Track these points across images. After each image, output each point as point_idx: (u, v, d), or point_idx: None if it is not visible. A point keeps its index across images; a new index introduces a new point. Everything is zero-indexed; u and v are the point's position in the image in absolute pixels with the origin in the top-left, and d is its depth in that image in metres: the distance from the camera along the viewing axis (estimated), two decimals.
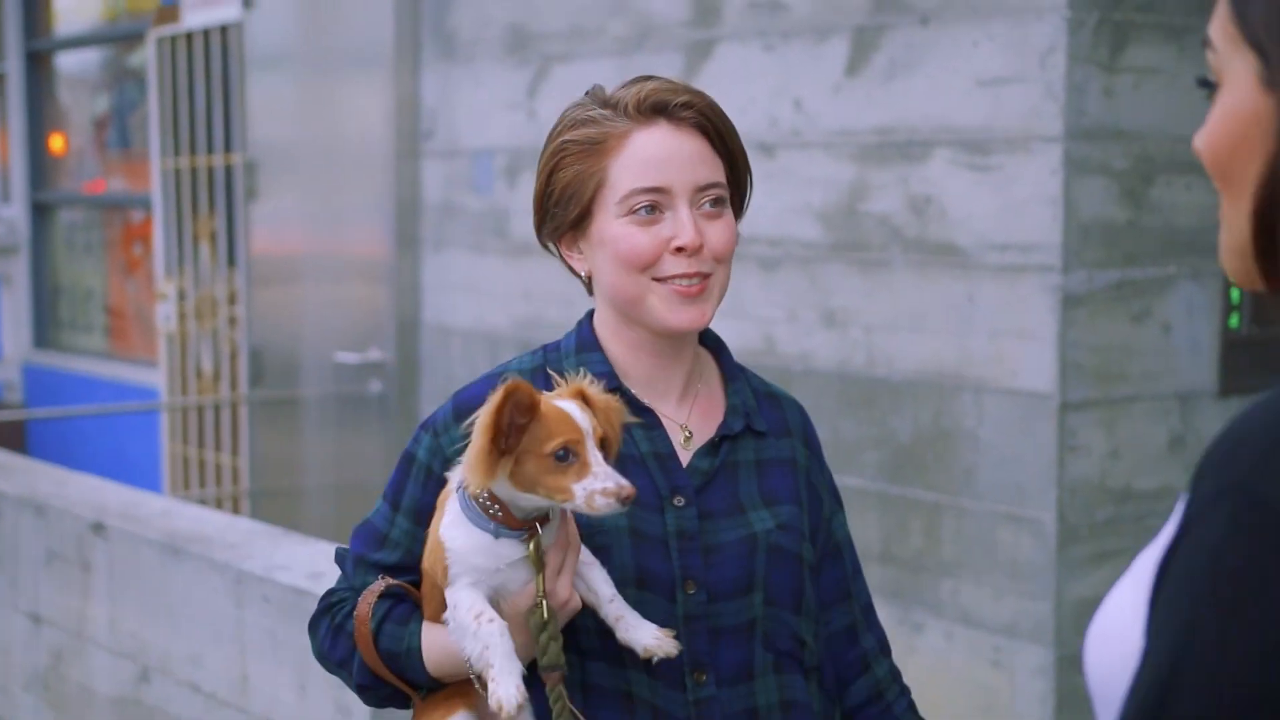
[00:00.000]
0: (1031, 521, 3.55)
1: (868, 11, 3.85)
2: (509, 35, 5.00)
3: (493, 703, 1.63)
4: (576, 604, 1.71)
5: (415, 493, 1.84)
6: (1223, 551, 0.96)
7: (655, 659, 1.71)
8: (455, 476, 1.72)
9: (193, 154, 6.71)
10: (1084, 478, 3.54)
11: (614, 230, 1.80)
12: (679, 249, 1.78)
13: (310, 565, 3.57)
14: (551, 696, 1.66)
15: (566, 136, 1.83)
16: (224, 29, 6.40)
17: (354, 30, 5.65)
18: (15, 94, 8.72)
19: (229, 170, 6.47)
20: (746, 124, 3.06)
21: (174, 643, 3.86)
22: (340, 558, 1.92)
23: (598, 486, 1.60)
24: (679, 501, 1.81)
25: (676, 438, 1.86)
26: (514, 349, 4.65)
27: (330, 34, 5.81)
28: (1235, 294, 3.78)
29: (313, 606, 1.94)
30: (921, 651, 3.77)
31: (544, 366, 1.86)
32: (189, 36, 6.64)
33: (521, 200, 4.98)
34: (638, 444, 1.82)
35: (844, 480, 3.70)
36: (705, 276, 1.80)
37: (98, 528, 4.12)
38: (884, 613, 2.54)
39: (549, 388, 1.73)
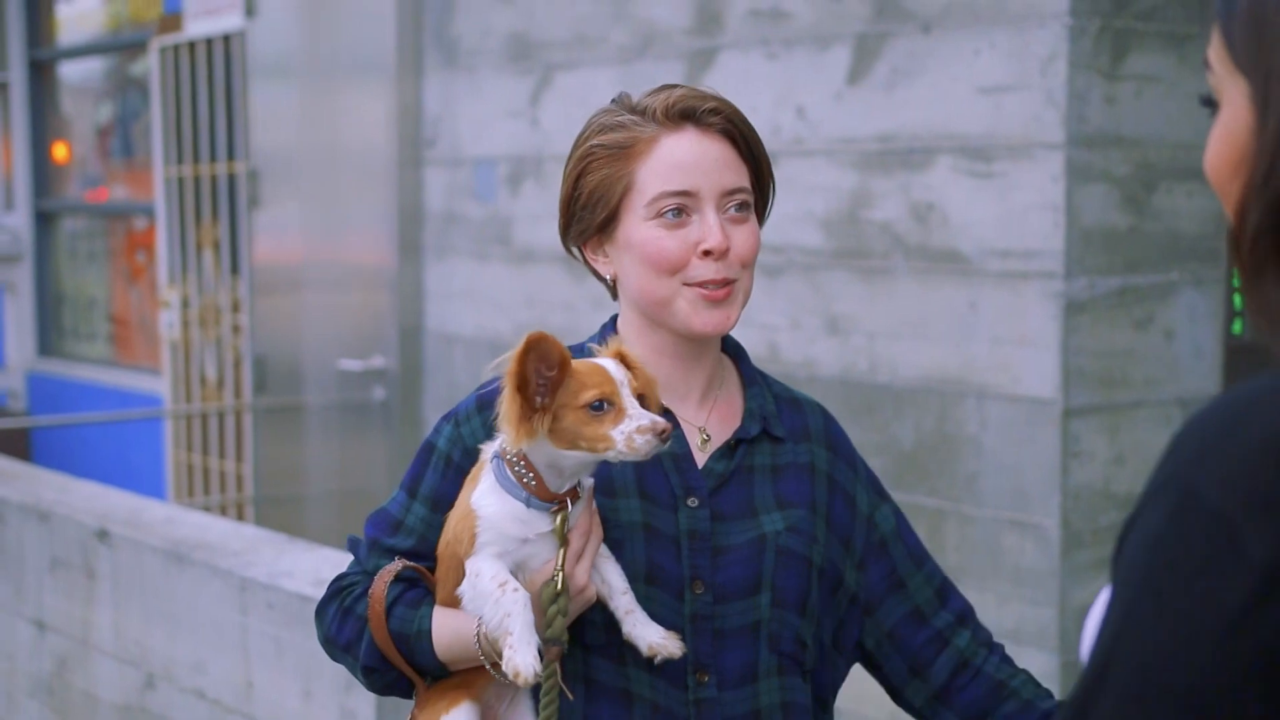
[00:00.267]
0: (1035, 528, 3.55)
1: (869, 19, 3.86)
2: (511, 44, 5.01)
3: (508, 668, 1.63)
4: (592, 594, 1.72)
5: (433, 481, 1.85)
6: (1157, 543, 0.97)
7: (659, 658, 1.72)
8: (489, 448, 1.74)
9: (196, 162, 6.72)
10: (1087, 484, 3.54)
11: (641, 234, 1.81)
12: (706, 252, 1.79)
13: (314, 572, 3.57)
14: (545, 671, 1.67)
15: (594, 141, 1.84)
16: (226, 38, 6.41)
17: (356, 39, 5.66)
18: (19, 103, 8.73)
19: (232, 178, 6.48)
20: None
21: (178, 649, 3.86)
22: (353, 543, 1.93)
23: (633, 426, 1.63)
24: (692, 502, 1.82)
25: (694, 440, 1.87)
26: None
27: (332, 43, 5.83)
28: (1238, 300, 3.78)
29: None
30: None
31: None
32: (192, 45, 6.65)
33: (524, 208, 4.98)
34: None
35: None
36: (731, 281, 1.82)
37: (102, 535, 4.13)
38: None
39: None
